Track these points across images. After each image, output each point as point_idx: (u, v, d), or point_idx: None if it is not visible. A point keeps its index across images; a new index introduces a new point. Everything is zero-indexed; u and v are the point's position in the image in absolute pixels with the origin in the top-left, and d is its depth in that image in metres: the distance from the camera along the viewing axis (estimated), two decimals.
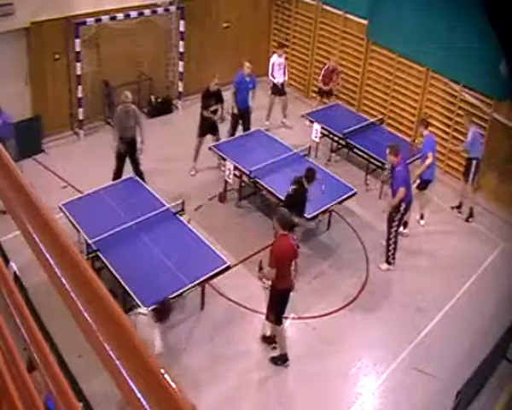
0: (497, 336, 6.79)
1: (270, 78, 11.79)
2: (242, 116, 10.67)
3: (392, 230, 8.23)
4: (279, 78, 11.73)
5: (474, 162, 9.42)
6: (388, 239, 8.32)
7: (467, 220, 9.77)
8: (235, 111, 10.55)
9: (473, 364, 6.18)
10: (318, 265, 8.24)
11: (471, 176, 9.48)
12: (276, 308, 6.61)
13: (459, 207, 9.88)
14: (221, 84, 9.99)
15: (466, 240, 9.36)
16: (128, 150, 9.08)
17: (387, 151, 8.16)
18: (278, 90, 11.88)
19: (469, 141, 9.37)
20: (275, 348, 7.02)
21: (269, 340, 7.08)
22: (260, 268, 6.65)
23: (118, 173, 9.16)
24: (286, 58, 12.27)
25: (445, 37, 10.14)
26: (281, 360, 6.85)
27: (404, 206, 8.10)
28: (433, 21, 10.32)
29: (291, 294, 6.73)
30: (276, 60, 11.72)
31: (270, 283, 6.78)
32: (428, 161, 8.84)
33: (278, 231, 6.39)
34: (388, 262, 8.47)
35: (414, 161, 9.55)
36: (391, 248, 8.35)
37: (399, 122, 11.75)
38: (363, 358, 7.11)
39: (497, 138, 9.71)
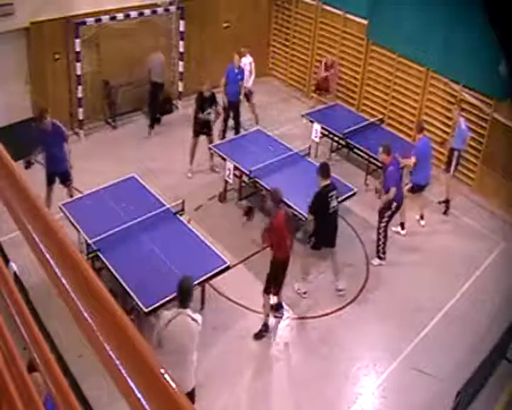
0: (497, 336, 6.79)
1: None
2: (232, 108, 10.66)
3: (382, 225, 8.44)
4: (245, 82, 10.97)
5: (456, 153, 9.46)
6: (378, 234, 8.52)
7: (445, 213, 9.84)
8: (226, 103, 10.54)
9: (473, 364, 6.18)
10: (318, 265, 8.24)
11: (452, 167, 9.55)
12: (277, 279, 7.00)
13: (447, 201, 9.89)
14: (216, 85, 10.02)
15: (466, 240, 9.36)
16: (155, 91, 11.24)
17: (380, 150, 8.39)
18: (245, 96, 11.19)
19: (457, 132, 9.40)
20: (276, 316, 7.42)
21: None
22: (246, 213, 6.94)
23: (153, 105, 11.41)
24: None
25: (445, 37, 10.15)
26: (265, 331, 7.23)
27: (395, 204, 8.29)
28: (433, 22, 10.32)
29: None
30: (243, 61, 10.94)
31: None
32: (410, 161, 8.83)
33: (272, 209, 6.82)
34: (379, 257, 8.60)
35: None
36: (380, 243, 8.54)
37: (399, 122, 11.75)
38: (363, 358, 7.12)
39: (497, 138, 9.71)
